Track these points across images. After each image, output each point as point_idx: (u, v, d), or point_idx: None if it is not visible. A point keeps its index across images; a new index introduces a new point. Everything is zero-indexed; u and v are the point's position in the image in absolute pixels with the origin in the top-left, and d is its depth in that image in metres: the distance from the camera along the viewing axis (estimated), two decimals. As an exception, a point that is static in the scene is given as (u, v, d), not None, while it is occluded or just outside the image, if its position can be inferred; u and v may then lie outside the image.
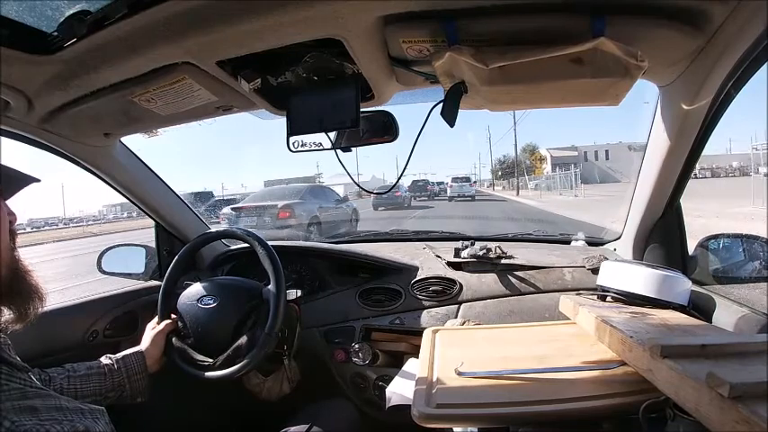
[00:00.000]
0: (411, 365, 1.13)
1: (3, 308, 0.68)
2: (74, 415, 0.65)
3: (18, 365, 0.68)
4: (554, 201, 18.97)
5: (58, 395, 0.68)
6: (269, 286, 1.17)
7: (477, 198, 24.51)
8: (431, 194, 26.79)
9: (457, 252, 1.48)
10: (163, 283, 1.27)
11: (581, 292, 1.26)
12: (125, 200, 1.43)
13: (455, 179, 26.05)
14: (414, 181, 27.85)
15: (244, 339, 1.13)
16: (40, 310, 0.73)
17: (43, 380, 0.91)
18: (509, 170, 45.37)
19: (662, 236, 1.22)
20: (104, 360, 1.06)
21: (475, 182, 31.96)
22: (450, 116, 0.83)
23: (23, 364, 0.69)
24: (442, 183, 32.25)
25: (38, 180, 0.72)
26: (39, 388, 0.66)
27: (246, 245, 1.27)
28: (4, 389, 0.60)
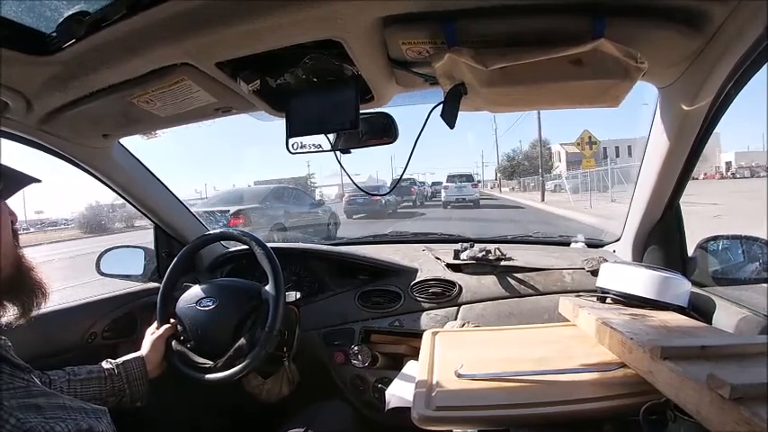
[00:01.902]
0: (410, 368, 1.13)
1: (7, 304, 0.69)
2: (77, 414, 0.66)
3: (21, 366, 0.69)
4: (618, 213, 9.76)
5: (62, 395, 0.70)
6: (267, 286, 1.17)
7: (481, 204, 18.29)
8: (417, 198, 19.87)
9: (456, 254, 1.48)
10: (161, 286, 1.27)
11: (581, 293, 1.26)
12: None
13: (452, 177, 19.46)
14: (395, 180, 19.95)
15: (244, 340, 1.12)
16: (43, 305, 0.74)
17: (44, 382, 0.91)
18: (521, 167, 38.90)
19: (661, 237, 1.22)
20: (105, 364, 1.05)
21: (478, 182, 23.36)
22: (449, 118, 0.83)
23: (25, 365, 0.70)
24: (438, 183, 25.48)
25: (38, 180, 0.73)
26: (43, 387, 0.68)
27: (245, 246, 1.27)
28: (9, 387, 0.61)
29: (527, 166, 37.22)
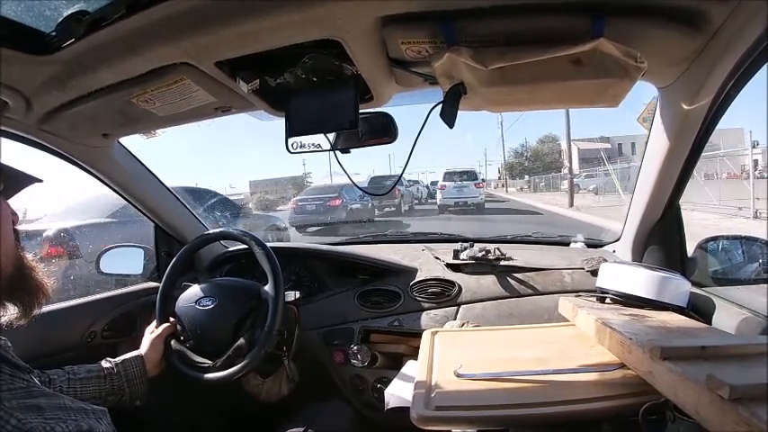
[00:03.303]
0: (410, 367, 1.13)
1: (7, 304, 0.69)
2: (77, 414, 0.66)
3: (21, 366, 0.69)
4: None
5: (62, 395, 0.70)
6: (267, 286, 1.17)
7: (487, 207, 14.80)
8: (404, 202, 14.82)
9: (456, 254, 1.48)
10: (161, 285, 1.27)
11: (580, 293, 1.26)
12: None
13: (450, 175, 15.38)
14: (374, 178, 16.32)
15: (243, 339, 1.12)
16: (44, 305, 0.74)
17: (43, 381, 0.91)
18: (530, 165, 34.67)
19: (661, 237, 1.22)
20: (104, 363, 1.06)
21: (483, 180, 17.92)
22: (449, 117, 0.83)
23: (25, 365, 0.70)
24: (435, 183, 20.37)
25: (40, 180, 0.73)
26: (43, 388, 0.68)
27: (245, 246, 1.27)
28: (10, 387, 0.61)
29: (537, 164, 34.19)
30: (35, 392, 0.64)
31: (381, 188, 11.78)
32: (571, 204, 14.35)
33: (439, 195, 15.29)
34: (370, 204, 12.00)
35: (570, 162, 18.45)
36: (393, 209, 13.86)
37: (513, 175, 36.52)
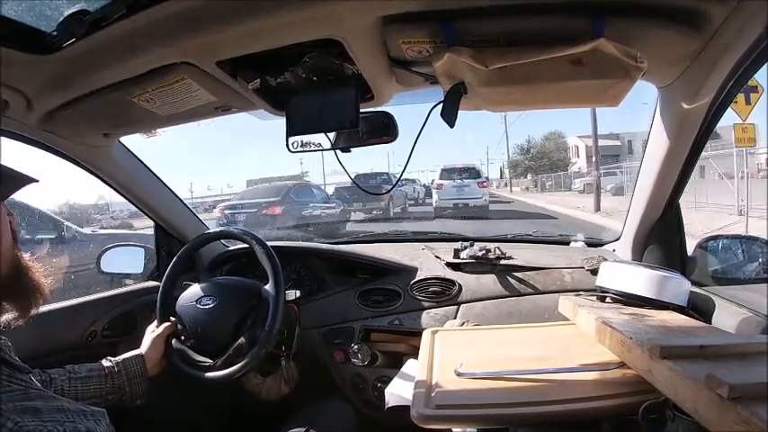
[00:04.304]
0: (410, 366, 1.13)
1: (5, 305, 0.68)
2: (75, 416, 0.65)
3: (19, 367, 0.68)
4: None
5: (60, 397, 0.69)
6: (267, 285, 1.17)
7: (491, 210, 12.76)
8: (394, 204, 12.26)
9: (456, 253, 1.48)
10: (162, 284, 1.27)
11: (580, 292, 1.25)
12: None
13: (449, 172, 13.17)
14: (358, 176, 11.40)
15: (243, 339, 1.12)
16: (42, 305, 0.73)
17: (44, 380, 0.91)
18: (537, 163, 31.54)
19: (661, 236, 1.22)
20: (105, 362, 1.06)
21: (486, 179, 14.92)
22: (449, 117, 0.83)
23: (24, 366, 0.69)
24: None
25: (36, 180, 0.72)
26: (40, 389, 0.67)
27: (245, 245, 1.27)
28: (6, 390, 0.61)
29: (543, 162, 31.86)
30: (32, 394, 0.63)
31: (369, 188, 9.64)
32: (598, 208, 11.85)
33: (435, 196, 13.08)
34: (339, 209, 10.07)
35: (597, 157, 15.04)
36: (380, 212, 11.25)
37: (518, 174, 33.87)
